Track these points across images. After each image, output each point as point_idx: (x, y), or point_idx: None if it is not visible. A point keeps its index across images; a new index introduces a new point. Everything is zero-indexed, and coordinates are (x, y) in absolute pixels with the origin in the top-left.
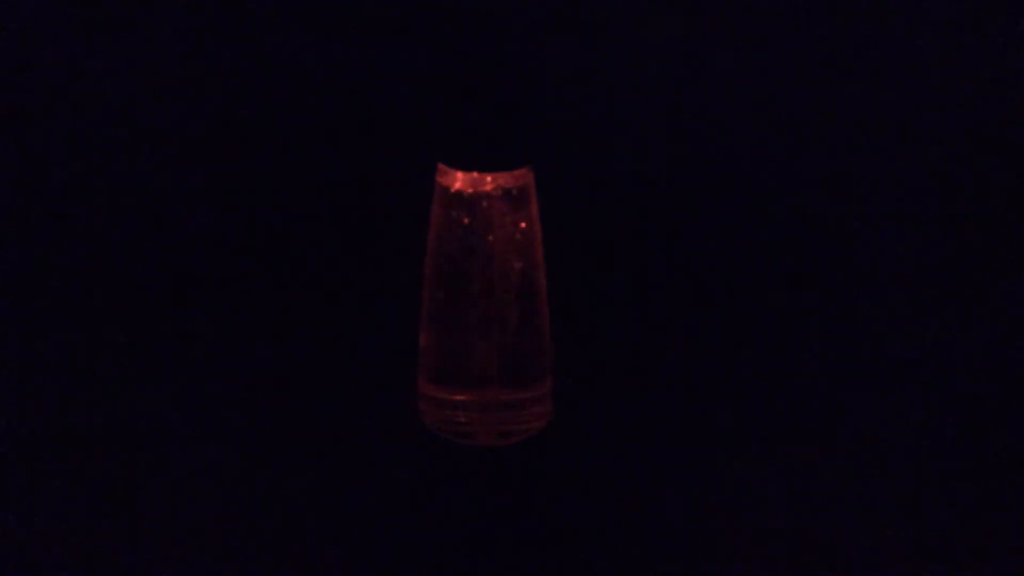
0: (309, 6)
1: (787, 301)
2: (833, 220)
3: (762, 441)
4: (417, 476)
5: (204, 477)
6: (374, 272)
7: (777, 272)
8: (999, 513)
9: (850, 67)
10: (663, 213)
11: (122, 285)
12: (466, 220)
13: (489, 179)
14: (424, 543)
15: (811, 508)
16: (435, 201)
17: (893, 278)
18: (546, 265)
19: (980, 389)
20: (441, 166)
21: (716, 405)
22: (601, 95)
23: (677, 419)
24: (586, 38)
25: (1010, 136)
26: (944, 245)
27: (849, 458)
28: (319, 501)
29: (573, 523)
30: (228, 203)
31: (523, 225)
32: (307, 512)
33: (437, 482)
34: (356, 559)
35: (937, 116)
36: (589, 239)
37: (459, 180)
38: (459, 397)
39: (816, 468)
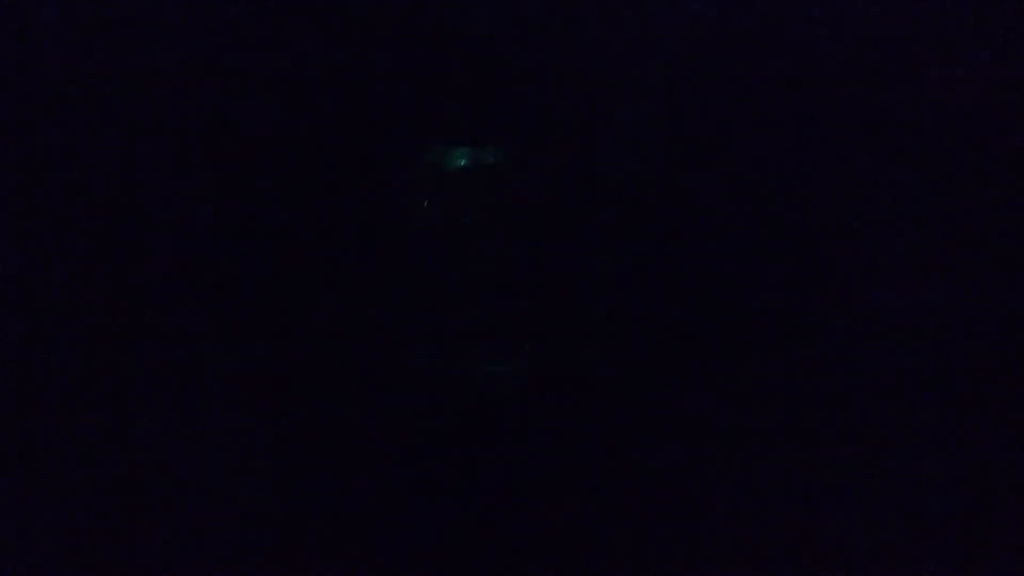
0: None
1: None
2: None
3: (767, 420)
4: (415, 428)
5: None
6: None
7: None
8: (999, 513)
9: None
10: (662, 201)
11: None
12: (454, 196)
13: (475, 155)
14: (426, 492)
15: (812, 488)
16: (421, 179)
17: (895, 278)
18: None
19: (980, 389)
20: (433, 146)
21: (718, 400)
22: (594, 93)
23: (681, 406)
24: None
25: (1010, 136)
26: (944, 245)
27: (851, 457)
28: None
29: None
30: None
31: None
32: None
33: (435, 432)
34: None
35: (937, 116)
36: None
37: (445, 157)
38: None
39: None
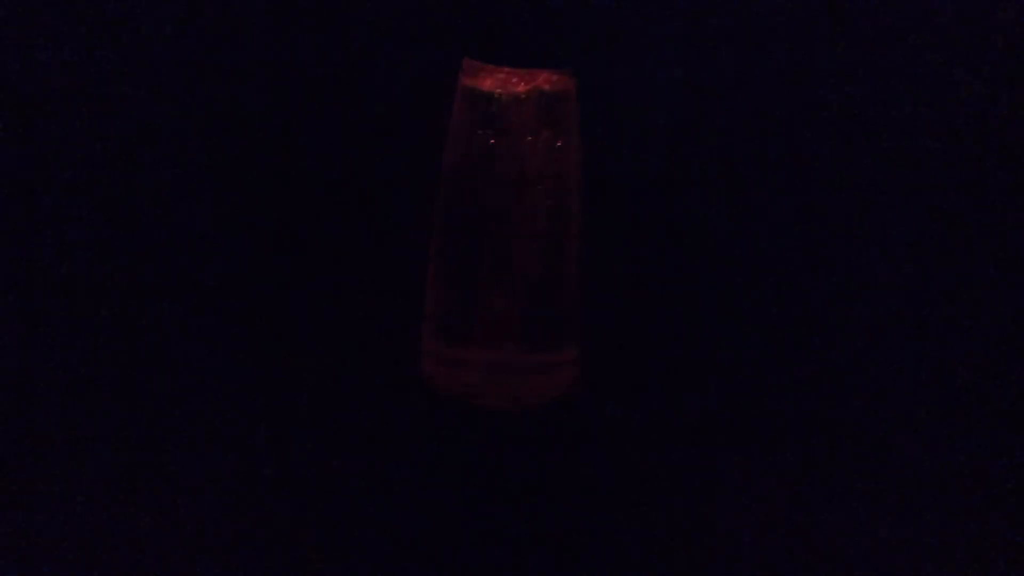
0: None
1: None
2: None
3: (788, 412)
4: (422, 438)
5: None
6: (380, 205)
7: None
8: (999, 513)
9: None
10: (713, 147)
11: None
12: (492, 135)
13: (523, 81)
14: (428, 508)
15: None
16: (456, 109)
17: (903, 278)
18: (583, 201)
19: (980, 388)
20: (467, 63)
21: (749, 386)
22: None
23: (712, 392)
24: None
25: (1010, 136)
26: (944, 245)
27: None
28: (321, 458)
29: (587, 493)
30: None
31: (560, 143)
32: (308, 470)
33: (443, 446)
34: (358, 521)
35: (937, 116)
36: (628, 170)
37: (487, 81)
38: (469, 356)
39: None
